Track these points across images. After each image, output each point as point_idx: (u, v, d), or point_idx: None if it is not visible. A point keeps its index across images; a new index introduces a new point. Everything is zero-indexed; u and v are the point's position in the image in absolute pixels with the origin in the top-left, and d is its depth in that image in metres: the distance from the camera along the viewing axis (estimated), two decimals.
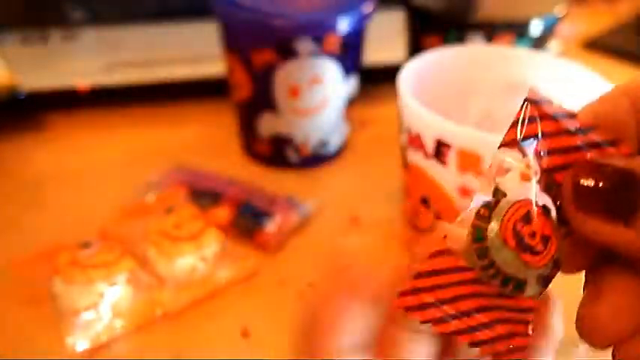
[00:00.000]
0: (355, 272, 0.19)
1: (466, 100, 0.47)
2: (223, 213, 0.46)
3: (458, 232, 0.18)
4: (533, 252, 0.17)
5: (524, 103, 0.18)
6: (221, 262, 0.42)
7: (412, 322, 0.18)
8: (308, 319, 0.20)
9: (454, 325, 0.18)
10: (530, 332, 0.18)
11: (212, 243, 0.42)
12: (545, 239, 0.18)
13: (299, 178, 0.53)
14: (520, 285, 0.18)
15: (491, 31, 0.50)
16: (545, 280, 0.18)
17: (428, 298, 0.18)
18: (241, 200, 0.47)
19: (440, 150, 0.37)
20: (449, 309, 0.18)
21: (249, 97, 0.51)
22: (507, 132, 0.18)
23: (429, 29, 0.53)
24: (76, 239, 0.41)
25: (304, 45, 0.47)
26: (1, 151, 0.55)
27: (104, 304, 0.38)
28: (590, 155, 0.17)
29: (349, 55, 0.50)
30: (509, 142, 0.18)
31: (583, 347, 0.33)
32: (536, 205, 0.17)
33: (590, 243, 0.18)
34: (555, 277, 0.18)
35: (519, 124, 0.18)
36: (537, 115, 0.18)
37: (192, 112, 0.61)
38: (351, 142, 0.57)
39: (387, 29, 0.61)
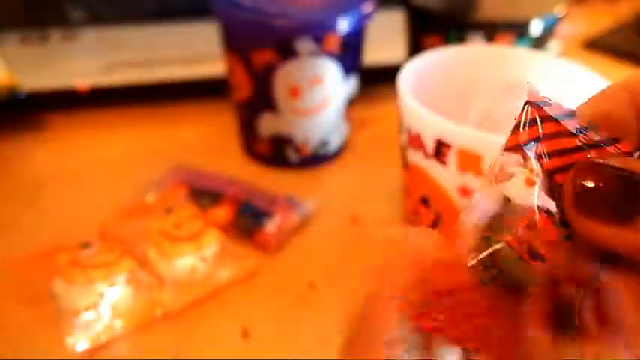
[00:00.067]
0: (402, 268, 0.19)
1: (466, 100, 0.47)
2: (223, 213, 0.46)
3: (461, 242, 0.18)
4: (542, 259, 0.17)
5: (524, 105, 0.18)
6: (221, 262, 0.42)
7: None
8: (358, 320, 0.19)
9: (457, 332, 0.18)
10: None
11: (212, 243, 0.42)
12: (551, 244, 0.17)
13: (299, 178, 0.53)
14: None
15: (492, 31, 0.50)
16: None
17: (440, 315, 0.18)
18: (241, 200, 0.47)
19: (440, 150, 0.37)
20: (452, 318, 0.18)
21: (249, 97, 0.51)
22: (509, 136, 0.18)
23: (429, 29, 0.53)
24: (76, 239, 0.41)
25: (304, 45, 0.47)
26: (1, 151, 0.55)
27: (104, 304, 0.38)
28: (590, 156, 0.17)
29: (349, 55, 0.50)
30: (512, 147, 0.18)
31: None
32: (541, 210, 0.17)
33: (591, 245, 0.18)
34: None
35: (521, 128, 0.17)
36: (538, 117, 0.18)
37: (192, 112, 0.61)
38: (351, 142, 0.57)
39: (387, 29, 0.61)
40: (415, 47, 0.54)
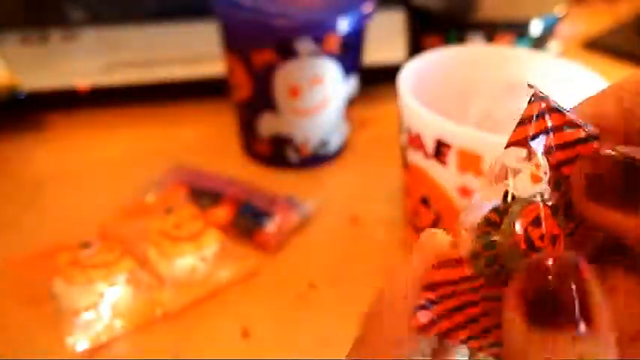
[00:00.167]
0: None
1: (466, 100, 0.47)
2: (223, 213, 0.46)
3: (463, 239, 0.18)
4: None
5: (531, 99, 0.18)
6: (221, 262, 0.42)
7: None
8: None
9: (463, 333, 0.18)
10: None
11: (212, 243, 0.42)
12: (554, 239, 0.17)
13: (299, 178, 0.53)
14: None
15: (492, 31, 0.50)
16: None
17: (437, 310, 0.18)
18: (241, 200, 0.47)
19: (440, 150, 0.37)
20: (458, 317, 0.18)
21: (249, 97, 0.51)
22: (515, 131, 0.18)
23: (429, 29, 0.53)
24: (76, 239, 0.41)
25: (304, 45, 0.47)
26: (1, 151, 0.55)
27: (104, 304, 0.38)
28: (596, 145, 0.17)
29: (349, 55, 0.50)
30: (518, 142, 0.18)
31: None
32: (546, 205, 0.17)
33: (593, 239, 0.18)
34: None
35: (529, 122, 0.17)
36: (544, 111, 0.17)
37: (192, 112, 0.61)
38: (351, 142, 0.57)
39: (387, 29, 0.61)
40: (415, 47, 0.54)
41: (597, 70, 0.43)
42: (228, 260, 0.42)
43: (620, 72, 0.67)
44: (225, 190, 0.48)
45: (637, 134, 0.18)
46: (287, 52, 0.47)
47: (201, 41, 0.62)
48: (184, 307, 0.40)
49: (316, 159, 0.54)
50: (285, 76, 0.49)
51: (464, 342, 0.18)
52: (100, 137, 0.57)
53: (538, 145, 0.17)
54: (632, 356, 0.17)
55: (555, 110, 0.18)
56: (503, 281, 0.17)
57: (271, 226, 0.45)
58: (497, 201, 0.18)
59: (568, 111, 0.18)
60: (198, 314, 0.40)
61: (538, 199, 0.17)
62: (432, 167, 0.38)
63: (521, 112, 0.18)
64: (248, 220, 0.45)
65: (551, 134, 0.17)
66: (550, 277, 0.16)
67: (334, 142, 0.54)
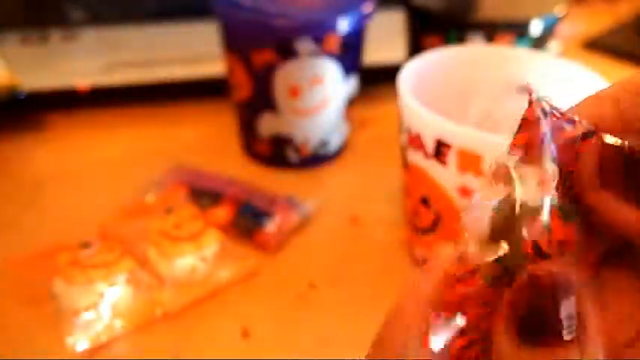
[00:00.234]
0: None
1: (466, 100, 0.47)
2: (223, 213, 0.46)
3: (471, 252, 0.18)
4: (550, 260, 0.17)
5: (529, 104, 0.17)
6: (221, 262, 0.42)
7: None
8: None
9: (476, 349, 0.18)
10: None
11: (212, 243, 0.42)
12: (563, 245, 0.17)
13: (299, 178, 0.53)
14: None
15: (492, 31, 0.50)
16: None
17: (451, 333, 0.17)
18: (241, 200, 0.47)
19: (440, 150, 0.37)
20: (472, 335, 0.18)
21: (249, 97, 0.51)
22: (516, 136, 0.17)
23: (429, 29, 0.53)
24: (76, 239, 0.41)
25: (304, 45, 0.47)
26: (1, 151, 0.55)
27: (104, 304, 0.38)
28: (595, 140, 0.17)
29: (349, 55, 0.50)
30: (521, 146, 0.17)
31: None
32: (553, 208, 0.17)
33: (600, 238, 0.17)
34: None
35: (529, 126, 0.17)
36: (543, 114, 0.17)
37: (192, 112, 0.61)
38: (351, 142, 0.57)
39: (387, 29, 0.61)
40: (415, 47, 0.54)
41: (597, 70, 0.43)
42: (228, 260, 0.42)
43: (620, 72, 0.67)
44: (225, 190, 0.48)
45: (637, 134, 0.18)
46: (287, 52, 0.47)
47: (201, 41, 0.62)
48: (184, 307, 0.40)
49: (316, 159, 0.54)
50: (285, 76, 0.49)
51: (477, 357, 0.18)
52: (100, 137, 0.57)
53: (543, 149, 0.17)
54: (635, 356, 0.17)
55: (553, 110, 0.17)
56: (507, 286, 0.17)
57: (271, 226, 0.45)
58: (496, 201, 0.17)
59: (564, 110, 0.18)
60: (198, 314, 0.40)
61: (546, 202, 0.17)
62: (432, 167, 0.38)
63: (521, 114, 0.18)
64: (248, 220, 0.45)
65: (551, 135, 0.17)
66: (541, 294, 0.16)
67: (334, 142, 0.54)
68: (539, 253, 0.17)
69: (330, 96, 0.51)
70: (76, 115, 0.60)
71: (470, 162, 0.36)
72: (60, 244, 0.42)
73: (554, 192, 0.17)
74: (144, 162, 0.54)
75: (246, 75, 0.50)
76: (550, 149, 0.17)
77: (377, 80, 0.60)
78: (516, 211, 0.17)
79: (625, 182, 0.16)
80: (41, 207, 0.49)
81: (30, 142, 0.56)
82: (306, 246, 0.46)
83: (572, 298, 0.16)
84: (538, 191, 0.17)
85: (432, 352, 0.17)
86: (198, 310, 0.40)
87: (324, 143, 0.53)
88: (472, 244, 0.17)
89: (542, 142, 0.17)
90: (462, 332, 0.18)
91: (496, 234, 0.17)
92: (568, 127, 0.17)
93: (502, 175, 0.17)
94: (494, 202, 0.17)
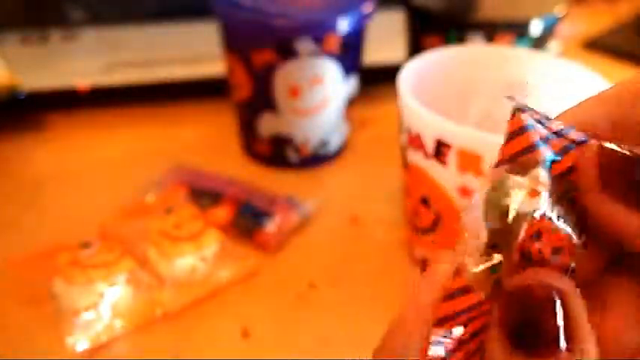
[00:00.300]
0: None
1: (466, 100, 0.47)
2: (223, 213, 0.46)
3: (467, 266, 0.17)
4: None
5: (513, 113, 0.17)
6: (221, 262, 0.42)
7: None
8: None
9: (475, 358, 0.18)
10: None
11: (212, 243, 0.42)
12: (557, 251, 0.17)
13: (299, 178, 0.53)
14: None
15: (492, 31, 0.50)
16: None
17: (450, 344, 0.17)
18: (241, 200, 0.47)
19: (440, 150, 0.37)
20: (471, 346, 0.18)
21: (249, 97, 0.51)
22: (505, 147, 0.17)
23: (429, 29, 0.53)
24: (76, 239, 0.41)
25: (304, 45, 0.47)
26: (1, 151, 0.55)
27: (104, 304, 0.38)
28: (593, 143, 0.17)
29: (349, 55, 0.50)
30: (509, 158, 0.17)
31: None
32: (547, 218, 0.17)
33: (600, 245, 0.17)
34: None
35: (517, 136, 0.17)
36: (529, 123, 0.17)
37: (192, 112, 0.61)
38: (351, 142, 0.57)
39: (387, 29, 0.61)
40: (415, 47, 0.54)
41: (597, 70, 0.43)
42: (228, 260, 0.42)
43: (621, 72, 0.67)
44: (225, 190, 0.48)
45: (636, 137, 0.18)
46: (287, 52, 0.47)
47: (201, 41, 0.62)
48: (184, 307, 0.40)
49: (316, 159, 0.54)
50: (285, 76, 0.49)
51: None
52: (100, 137, 0.57)
53: (533, 158, 0.17)
54: None
55: (539, 122, 0.17)
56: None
57: (271, 226, 0.45)
58: (495, 215, 0.17)
59: (552, 119, 0.18)
60: (198, 314, 0.40)
61: (539, 212, 0.17)
62: (432, 167, 0.38)
63: (506, 126, 0.18)
64: (248, 220, 0.45)
65: (541, 142, 0.17)
66: (533, 300, 0.16)
67: (334, 142, 0.54)
68: (530, 260, 0.17)
69: (330, 96, 0.51)
70: (76, 115, 0.60)
71: (470, 162, 0.36)
72: (60, 244, 0.42)
73: (546, 199, 0.17)
74: (144, 162, 0.54)
75: (246, 75, 0.50)
76: (541, 156, 0.17)
77: (377, 80, 0.60)
78: (509, 220, 0.17)
79: (626, 186, 0.16)
80: (41, 207, 0.49)
81: (30, 142, 0.56)
82: (306, 246, 0.46)
83: (566, 306, 0.16)
84: (529, 201, 0.17)
85: None
86: (198, 310, 0.40)
87: (324, 143, 0.53)
88: (468, 255, 0.17)
89: (530, 150, 0.17)
90: (461, 343, 0.18)
91: (491, 243, 0.17)
92: (557, 138, 0.17)
93: (502, 192, 0.17)
94: (496, 224, 0.17)
